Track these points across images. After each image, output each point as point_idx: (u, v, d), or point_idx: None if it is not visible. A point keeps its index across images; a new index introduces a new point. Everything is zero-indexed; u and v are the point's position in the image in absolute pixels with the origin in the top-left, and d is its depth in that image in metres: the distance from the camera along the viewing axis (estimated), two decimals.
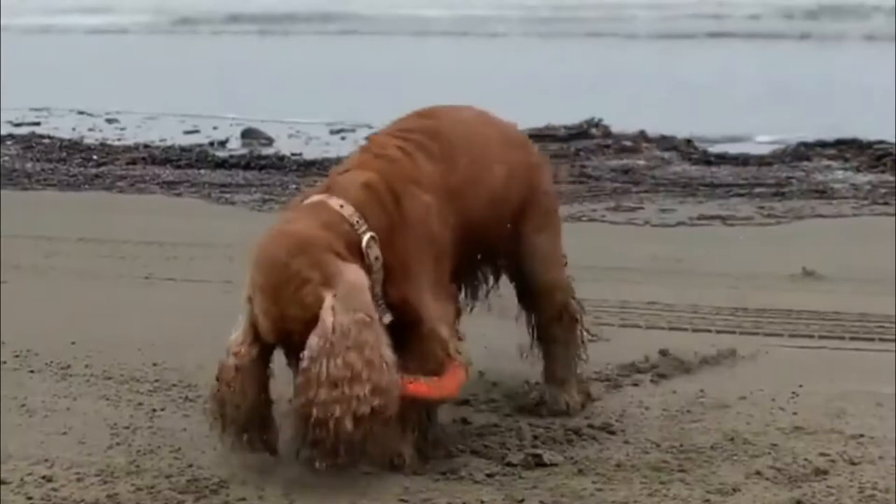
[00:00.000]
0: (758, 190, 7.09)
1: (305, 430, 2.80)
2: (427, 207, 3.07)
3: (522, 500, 2.88)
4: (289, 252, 2.85)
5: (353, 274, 2.87)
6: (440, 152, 3.19)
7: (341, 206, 2.96)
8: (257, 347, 2.91)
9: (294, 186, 7.44)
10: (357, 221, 2.95)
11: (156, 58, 16.66)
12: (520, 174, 3.43)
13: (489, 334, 4.22)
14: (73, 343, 4.01)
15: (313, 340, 2.79)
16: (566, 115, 9.70)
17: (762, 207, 6.58)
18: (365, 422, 2.78)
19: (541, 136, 9.23)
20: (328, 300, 2.81)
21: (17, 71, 13.40)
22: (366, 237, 2.95)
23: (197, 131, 10.14)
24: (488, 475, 3.02)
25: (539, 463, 3.08)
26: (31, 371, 3.87)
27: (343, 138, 9.92)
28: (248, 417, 2.94)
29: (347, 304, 2.82)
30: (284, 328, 2.85)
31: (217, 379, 2.96)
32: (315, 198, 3.02)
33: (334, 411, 2.75)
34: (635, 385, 3.71)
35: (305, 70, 14.86)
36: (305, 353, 2.79)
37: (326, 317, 2.80)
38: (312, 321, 2.80)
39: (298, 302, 2.82)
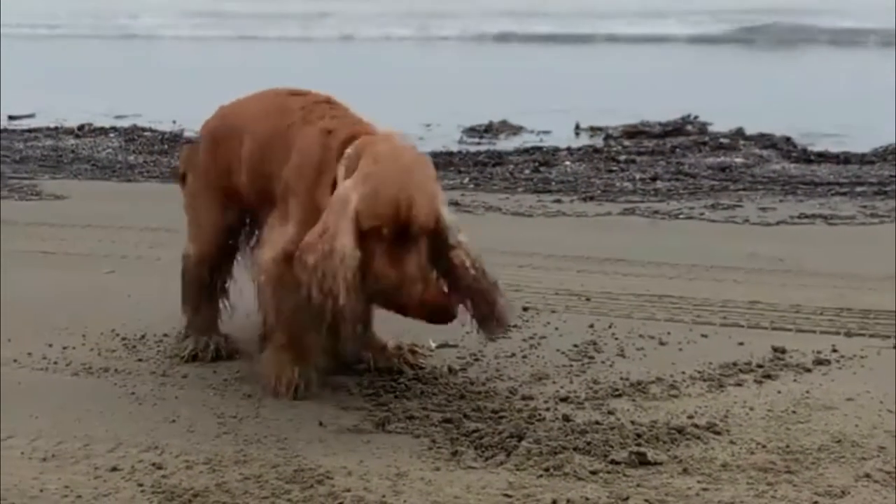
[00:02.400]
0: (860, 189, 6.97)
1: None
2: None
3: (627, 499, 2.87)
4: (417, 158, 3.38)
5: None
6: None
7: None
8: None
9: None
10: None
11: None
12: None
13: (585, 332, 4.22)
14: (180, 332, 4.08)
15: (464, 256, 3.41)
16: (660, 112, 9.65)
17: (865, 207, 6.47)
18: None
19: (635, 132, 9.20)
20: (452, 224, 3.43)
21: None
22: None
23: None
24: (592, 472, 3.01)
25: (643, 461, 3.06)
26: (140, 360, 3.94)
27: (437, 132, 9.95)
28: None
29: None
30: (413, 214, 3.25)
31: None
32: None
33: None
34: (739, 385, 3.67)
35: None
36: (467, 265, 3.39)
37: (462, 238, 3.44)
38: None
39: (427, 201, 3.30)
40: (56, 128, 9.92)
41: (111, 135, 9.47)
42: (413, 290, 3.24)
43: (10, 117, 10.74)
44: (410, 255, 3.24)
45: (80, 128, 9.77)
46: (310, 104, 3.69)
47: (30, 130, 9.86)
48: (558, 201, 6.79)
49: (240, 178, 3.79)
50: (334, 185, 3.37)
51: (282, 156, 3.59)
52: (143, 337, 4.14)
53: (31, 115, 10.88)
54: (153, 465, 3.08)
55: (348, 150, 3.39)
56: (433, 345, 4.07)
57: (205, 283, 3.99)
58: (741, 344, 4.06)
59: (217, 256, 3.95)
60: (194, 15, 22.70)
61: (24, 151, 8.73)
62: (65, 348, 4.04)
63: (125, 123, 10.06)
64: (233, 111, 3.93)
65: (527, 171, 7.80)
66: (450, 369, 3.82)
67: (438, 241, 3.37)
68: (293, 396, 3.54)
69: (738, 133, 8.82)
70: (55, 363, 3.91)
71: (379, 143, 3.39)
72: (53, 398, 3.58)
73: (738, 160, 7.98)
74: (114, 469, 3.05)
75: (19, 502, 2.87)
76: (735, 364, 3.84)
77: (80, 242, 5.67)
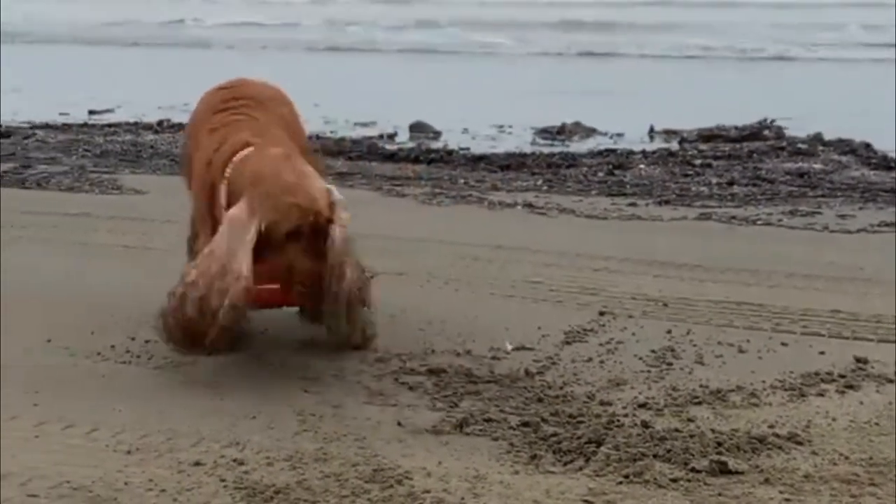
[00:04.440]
0: None
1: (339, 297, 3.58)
2: None
3: None
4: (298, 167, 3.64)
5: None
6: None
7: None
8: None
9: (462, 181, 7.49)
10: None
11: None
12: None
13: (659, 339, 4.20)
14: (264, 331, 4.11)
15: (339, 232, 3.57)
16: (736, 117, 9.55)
17: None
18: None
19: (711, 136, 9.12)
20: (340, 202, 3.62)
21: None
22: None
23: (367, 124, 10.28)
24: (672, 480, 2.99)
25: (724, 470, 3.04)
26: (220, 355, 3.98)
27: (510, 133, 9.94)
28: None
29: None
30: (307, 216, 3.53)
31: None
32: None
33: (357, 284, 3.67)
34: (821, 395, 3.63)
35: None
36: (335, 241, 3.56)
37: (343, 214, 3.59)
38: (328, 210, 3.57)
39: (319, 191, 3.59)
40: (135, 123, 10.06)
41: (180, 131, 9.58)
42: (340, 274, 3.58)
43: (91, 112, 10.91)
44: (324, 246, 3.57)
45: (159, 123, 9.89)
46: (221, 103, 4.03)
47: (110, 125, 10.01)
48: (633, 205, 6.75)
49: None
50: (219, 205, 3.70)
51: (191, 153, 4.01)
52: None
53: (110, 110, 11.05)
54: (235, 460, 3.11)
55: (227, 171, 3.71)
56: (509, 347, 4.08)
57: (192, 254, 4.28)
58: (822, 353, 4.02)
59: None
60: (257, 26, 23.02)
61: (105, 146, 8.86)
62: (147, 342, 4.09)
63: None
64: None
65: (600, 174, 7.76)
66: (526, 372, 3.81)
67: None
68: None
69: (817, 138, 8.70)
70: (138, 356, 3.97)
71: (252, 158, 3.67)
72: (136, 391, 3.64)
73: (817, 166, 7.88)
74: (196, 464, 3.09)
75: (105, 494, 2.91)
76: (816, 374, 3.80)
77: (159, 237, 5.74)
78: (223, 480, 3.00)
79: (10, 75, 13.70)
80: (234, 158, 3.73)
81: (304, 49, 18.98)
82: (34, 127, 9.85)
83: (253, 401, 3.56)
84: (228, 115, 3.97)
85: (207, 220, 3.81)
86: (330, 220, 3.57)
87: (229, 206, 3.64)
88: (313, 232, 3.56)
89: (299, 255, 3.57)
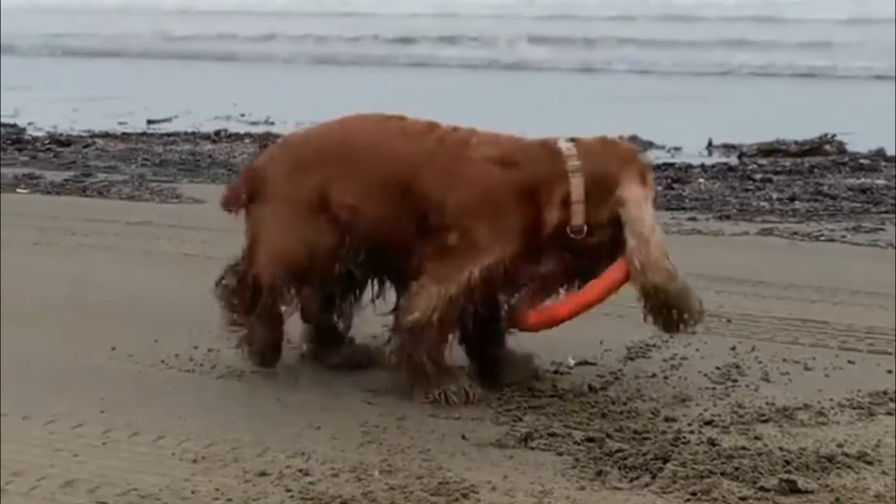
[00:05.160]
0: None
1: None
2: None
3: None
4: None
5: None
6: None
7: None
8: None
9: None
10: None
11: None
12: None
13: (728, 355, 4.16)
14: None
15: None
16: (796, 131, 9.46)
17: None
18: None
19: (770, 150, 9.03)
20: None
21: None
22: None
23: None
24: (741, 498, 2.95)
25: (794, 489, 2.99)
26: (282, 364, 3.99)
27: None
28: None
29: None
30: None
31: None
32: None
33: None
34: (889, 414, 3.57)
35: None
36: None
37: None
38: None
39: None
40: (193, 133, 10.15)
41: (246, 140, 9.65)
42: None
43: (149, 121, 11.02)
44: None
45: (217, 133, 9.98)
46: (423, 130, 3.82)
47: (168, 135, 10.11)
48: (693, 219, 6.70)
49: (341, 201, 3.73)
50: (565, 200, 3.65)
51: (434, 184, 3.67)
52: (286, 342, 4.19)
53: (168, 120, 11.16)
54: (300, 471, 3.12)
55: (574, 164, 3.70)
56: (572, 361, 4.05)
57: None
58: (889, 372, 3.95)
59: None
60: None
61: (164, 155, 8.95)
62: (210, 350, 4.12)
63: (259, 130, 10.25)
64: (321, 138, 3.91)
65: (659, 188, 7.68)
66: (590, 387, 3.79)
67: None
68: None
69: (879, 153, 8.59)
70: (201, 365, 3.99)
71: (596, 141, 3.89)
72: (201, 400, 3.66)
73: (880, 182, 7.76)
74: (262, 474, 3.10)
75: (172, 502, 2.93)
76: (885, 393, 3.74)
77: (219, 247, 5.75)
78: (289, 490, 3.01)
79: (70, 86, 13.90)
80: (563, 149, 3.77)
81: (364, 63, 19.06)
82: (94, 136, 9.97)
83: (316, 412, 3.56)
84: (456, 133, 3.89)
85: (505, 233, 3.64)
86: None
87: (589, 194, 3.67)
88: None
89: None
